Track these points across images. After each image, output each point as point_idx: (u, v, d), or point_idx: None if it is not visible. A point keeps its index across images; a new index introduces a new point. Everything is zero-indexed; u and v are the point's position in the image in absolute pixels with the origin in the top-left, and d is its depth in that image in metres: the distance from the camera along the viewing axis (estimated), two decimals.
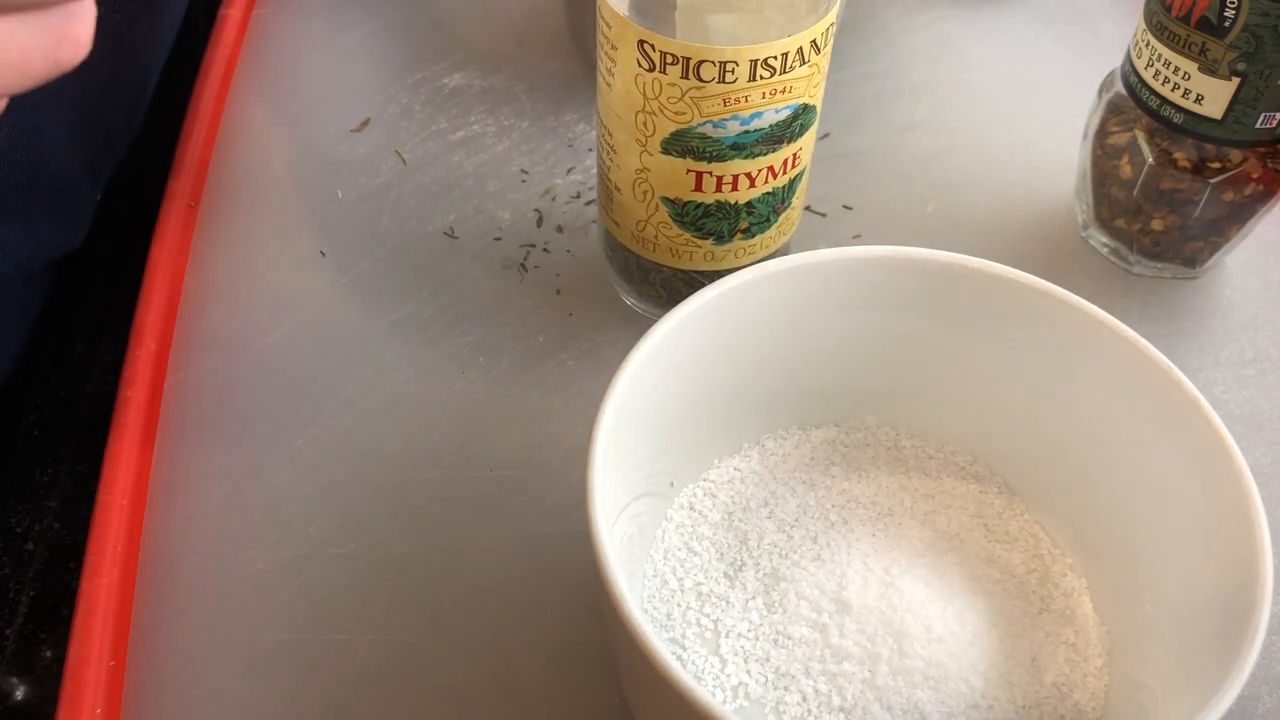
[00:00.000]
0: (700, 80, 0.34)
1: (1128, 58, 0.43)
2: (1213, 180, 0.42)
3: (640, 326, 0.32)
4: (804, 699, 0.32)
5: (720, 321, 0.34)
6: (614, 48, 0.35)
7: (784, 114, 0.36)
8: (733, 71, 0.34)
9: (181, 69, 0.56)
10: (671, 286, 0.42)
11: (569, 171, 0.50)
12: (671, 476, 0.36)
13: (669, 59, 0.34)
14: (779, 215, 0.40)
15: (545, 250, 0.47)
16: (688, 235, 0.39)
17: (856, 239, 0.48)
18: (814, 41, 0.35)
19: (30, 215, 0.46)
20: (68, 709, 0.33)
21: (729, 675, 0.32)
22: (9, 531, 0.39)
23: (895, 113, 0.54)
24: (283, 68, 0.56)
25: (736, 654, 0.33)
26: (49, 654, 0.36)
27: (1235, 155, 0.41)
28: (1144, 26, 0.42)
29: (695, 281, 0.41)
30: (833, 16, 0.35)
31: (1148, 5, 0.42)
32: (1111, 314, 0.33)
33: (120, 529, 0.37)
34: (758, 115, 0.35)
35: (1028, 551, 0.36)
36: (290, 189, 0.50)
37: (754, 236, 0.40)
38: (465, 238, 0.48)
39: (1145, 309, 0.45)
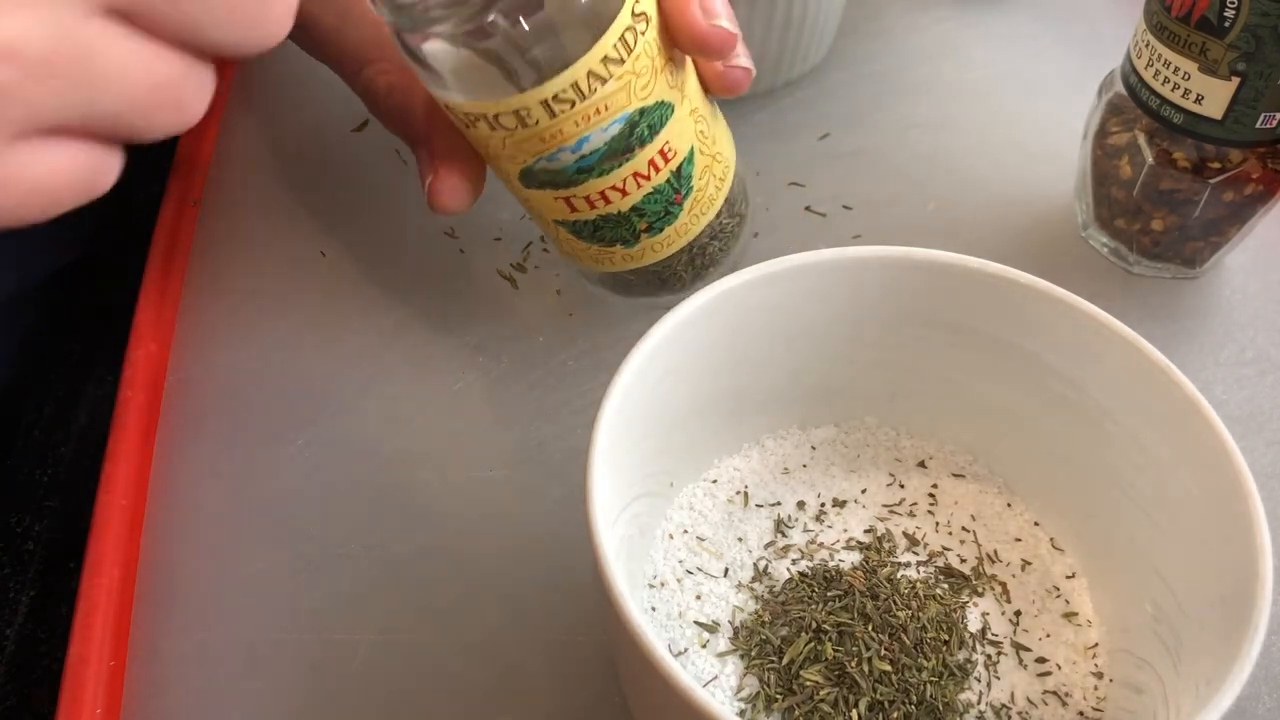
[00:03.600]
0: (506, 129, 0.34)
1: (1128, 58, 0.43)
2: (1212, 180, 0.42)
3: (640, 326, 0.32)
4: (805, 699, 0.32)
5: (720, 321, 0.34)
6: (444, 105, 0.35)
7: (615, 128, 0.35)
8: (529, 115, 0.34)
9: None
10: (603, 276, 0.42)
11: None
12: (671, 476, 0.36)
13: (470, 119, 0.34)
14: (680, 204, 0.39)
15: (545, 250, 0.47)
16: (595, 246, 0.39)
17: (856, 239, 0.48)
18: (604, 59, 0.33)
19: (46, 226, 0.46)
20: (68, 709, 0.33)
21: (729, 675, 0.32)
22: (9, 531, 0.39)
23: (895, 113, 0.54)
24: (283, 68, 0.56)
25: (736, 654, 0.33)
26: (49, 654, 0.36)
27: (1235, 155, 0.41)
28: (1144, 26, 0.42)
29: (627, 275, 0.41)
30: (624, 22, 0.33)
31: (1148, 5, 0.42)
32: (1111, 314, 0.33)
33: (120, 529, 0.38)
34: (585, 140, 0.35)
35: (1027, 552, 0.36)
36: (290, 189, 0.50)
37: (662, 230, 0.39)
38: (465, 238, 0.48)
39: (1145, 309, 0.45)
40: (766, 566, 0.35)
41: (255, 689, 0.35)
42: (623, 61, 0.34)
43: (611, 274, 0.41)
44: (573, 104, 0.33)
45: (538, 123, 0.34)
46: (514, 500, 0.39)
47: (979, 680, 0.33)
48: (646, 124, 0.36)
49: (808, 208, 0.49)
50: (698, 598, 0.34)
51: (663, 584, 0.34)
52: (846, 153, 0.52)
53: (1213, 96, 0.40)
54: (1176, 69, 0.40)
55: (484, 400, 0.42)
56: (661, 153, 0.37)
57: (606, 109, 0.34)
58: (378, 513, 0.39)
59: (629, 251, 0.39)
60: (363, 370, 0.43)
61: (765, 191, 0.50)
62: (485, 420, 0.41)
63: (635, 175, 0.36)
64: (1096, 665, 0.33)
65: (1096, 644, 0.34)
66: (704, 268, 0.42)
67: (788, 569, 0.35)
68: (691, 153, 0.38)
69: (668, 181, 0.37)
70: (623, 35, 0.33)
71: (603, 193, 0.36)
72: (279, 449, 0.40)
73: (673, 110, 0.36)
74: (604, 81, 0.33)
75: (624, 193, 0.37)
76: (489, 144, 0.35)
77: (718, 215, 0.40)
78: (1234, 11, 0.38)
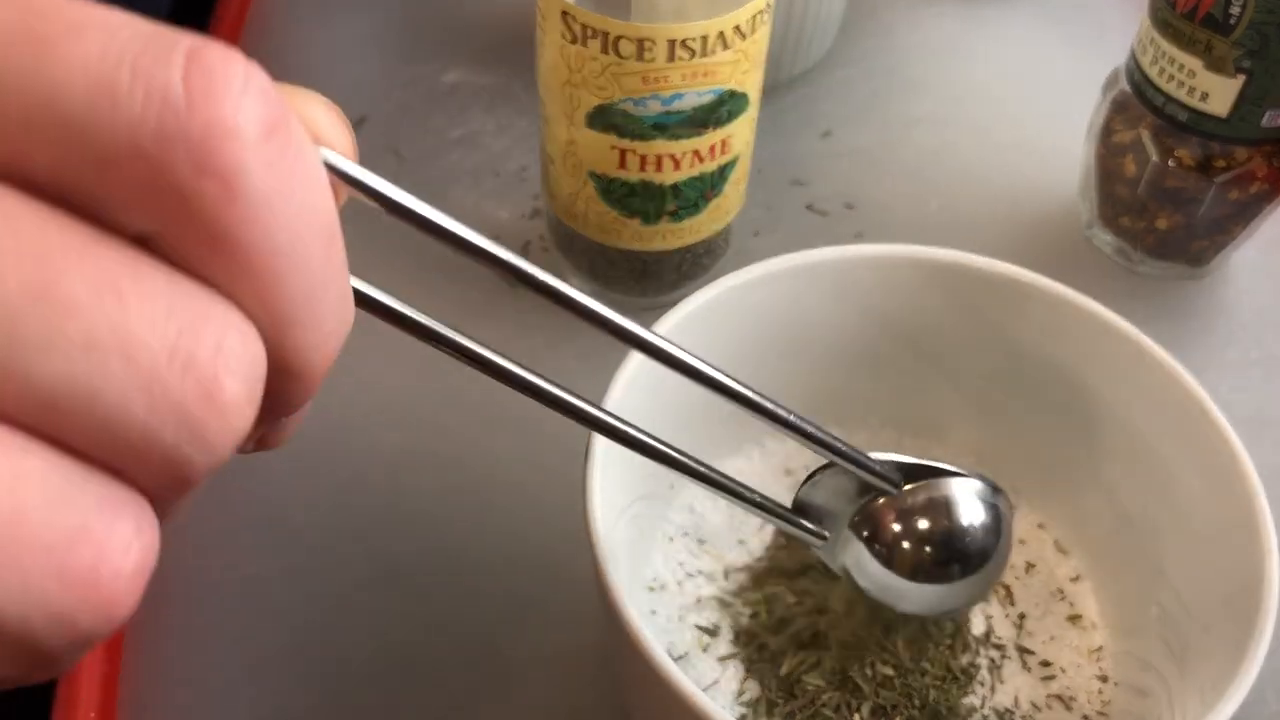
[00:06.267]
0: (619, 56, 0.35)
1: (1132, 55, 0.43)
2: (1218, 179, 0.41)
3: (642, 325, 0.32)
4: (806, 704, 0.31)
5: (720, 321, 0.34)
6: (544, 17, 0.36)
7: (707, 98, 0.36)
8: (650, 50, 0.34)
9: None
10: (590, 257, 0.42)
11: None
12: (671, 477, 0.36)
13: (589, 32, 0.34)
14: (709, 201, 0.40)
15: (544, 249, 0.47)
16: (615, 212, 0.39)
17: (858, 238, 0.48)
18: (737, 27, 0.35)
19: None
20: (62, 713, 0.33)
21: (729, 680, 0.32)
22: None
23: (898, 110, 0.54)
24: (279, 64, 0.56)
25: (737, 658, 0.33)
26: None
27: (1240, 153, 0.41)
28: (1149, 23, 0.42)
29: (615, 259, 0.42)
30: (760, 4, 0.35)
31: (1152, 2, 0.41)
32: (1116, 313, 0.33)
33: None
34: (679, 97, 0.36)
35: (1032, 554, 0.35)
36: None
37: (682, 220, 0.40)
38: None
39: (1150, 308, 0.45)
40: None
41: (254, 690, 0.34)
42: (745, 37, 0.35)
43: (598, 255, 0.42)
44: (692, 55, 0.34)
45: (652, 60, 0.34)
46: (514, 500, 0.39)
47: (983, 684, 0.32)
48: (729, 107, 0.37)
49: (809, 206, 0.49)
50: (698, 601, 0.34)
51: (663, 587, 0.34)
52: (848, 151, 0.52)
53: (1218, 94, 0.39)
54: (1181, 66, 0.40)
55: (484, 400, 0.42)
56: (724, 141, 0.38)
57: (712, 75, 0.35)
58: (377, 513, 0.38)
59: (643, 230, 0.40)
60: (362, 370, 0.43)
61: (766, 190, 0.49)
62: (485, 420, 0.41)
63: (695, 153, 0.37)
64: (1101, 668, 0.33)
65: (1101, 647, 0.33)
66: (686, 278, 0.43)
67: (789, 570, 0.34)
68: (738, 157, 0.39)
69: (713, 173, 0.39)
70: (758, 13, 0.35)
71: (660, 158, 0.37)
72: (279, 449, 0.40)
73: (748, 106, 0.38)
74: (726, 47, 0.35)
75: (677, 165, 0.38)
76: (584, 67, 0.35)
77: (720, 231, 0.42)
78: (1239, 8, 0.37)
